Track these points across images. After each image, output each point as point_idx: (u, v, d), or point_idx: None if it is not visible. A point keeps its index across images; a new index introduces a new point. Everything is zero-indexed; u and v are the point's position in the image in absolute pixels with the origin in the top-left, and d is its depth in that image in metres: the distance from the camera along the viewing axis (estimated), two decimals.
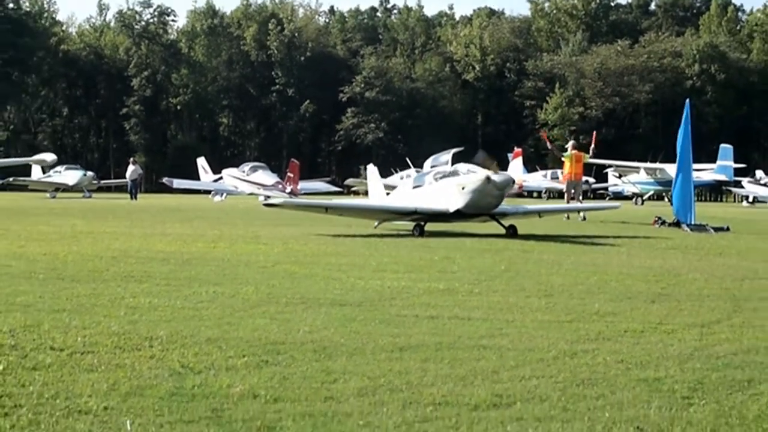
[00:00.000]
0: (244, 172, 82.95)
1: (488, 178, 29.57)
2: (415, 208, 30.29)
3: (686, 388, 10.36)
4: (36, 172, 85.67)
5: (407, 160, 78.49)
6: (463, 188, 29.86)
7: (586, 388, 10.33)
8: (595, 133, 60.23)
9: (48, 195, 78.09)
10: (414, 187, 32.46)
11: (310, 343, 12.44)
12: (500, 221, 30.66)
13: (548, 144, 61.83)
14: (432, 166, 35.82)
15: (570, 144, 48.68)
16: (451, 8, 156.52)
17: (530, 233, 30.71)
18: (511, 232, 29.88)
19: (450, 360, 11.59)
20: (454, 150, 40.75)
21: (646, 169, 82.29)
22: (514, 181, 34.00)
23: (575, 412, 9.31)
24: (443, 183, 30.81)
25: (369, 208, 32.48)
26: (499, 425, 8.81)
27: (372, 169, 37.71)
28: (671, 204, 40.99)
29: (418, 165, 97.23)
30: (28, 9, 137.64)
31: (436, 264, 23.30)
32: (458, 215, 30.30)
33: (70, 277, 19.28)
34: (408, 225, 31.96)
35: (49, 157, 77.10)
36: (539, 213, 35.21)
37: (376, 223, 32.10)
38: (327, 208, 32.25)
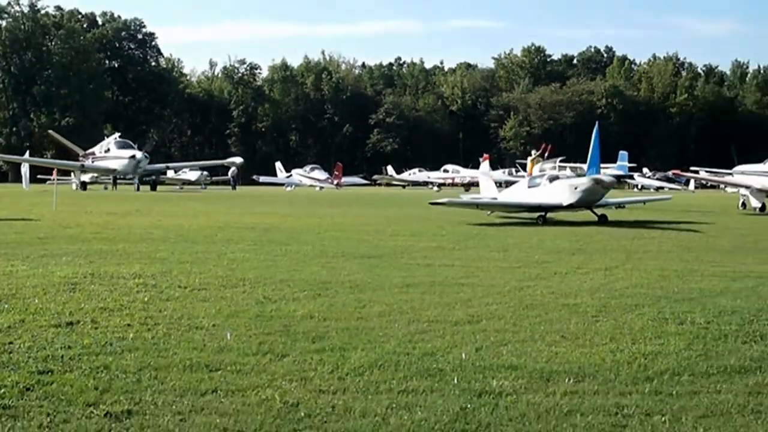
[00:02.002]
0: (306, 171, 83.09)
1: (597, 180, 27.10)
2: (539, 203, 26.96)
3: (594, 310, 10.37)
4: (170, 172, 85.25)
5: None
6: (575, 188, 26.97)
7: (528, 310, 10.35)
8: (544, 144, 60.60)
9: (177, 187, 78.10)
10: (529, 187, 28.73)
11: (348, 282, 12.47)
12: (594, 211, 27.36)
13: (539, 151, 60.01)
14: (540, 172, 33.88)
15: (534, 151, 49.92)
16: (441, 63, 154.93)
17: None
18: (603, 220, 26.88)
19: (439, 293, 11.62)
20: (558, 159, 39.80)
21: (570, 167, 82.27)
22: (617, 181, 30.64)
23: (521, 326, 9.33)
24: (557, 184, 27.77)
25: (507, 203, 28.36)
26: (471, 335, 8.82)
27: (484, 169, 33.48)
28: None
29: (422, 167, 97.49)
30: (164, 66, 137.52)
31: (431, 231, 23.30)
32: (569, 207, 27.08)
33: (191, 240, 19.37)
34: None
35: (238, 159, 75.77)
36: (620, 204, 30.87)
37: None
38: (477, 205, 28.64)
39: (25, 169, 56.08)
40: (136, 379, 7.00)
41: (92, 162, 64.62)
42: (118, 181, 65.09)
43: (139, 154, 62.15)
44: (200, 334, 8.74)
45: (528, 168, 49.20)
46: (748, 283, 13.03)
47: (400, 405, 6.39)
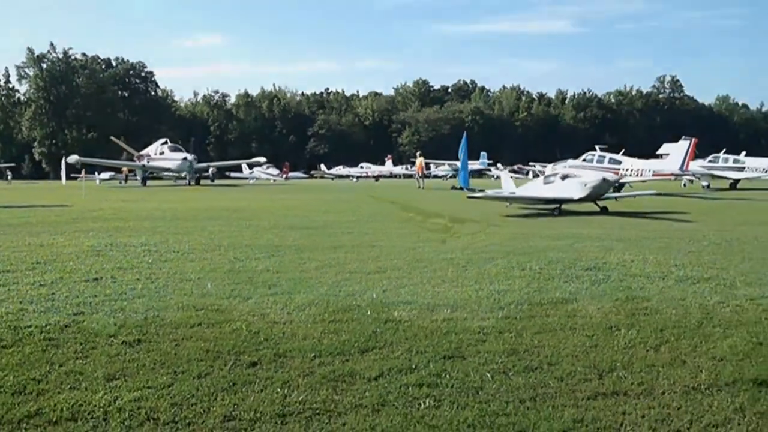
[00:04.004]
0: (264, 168, 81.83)
1: (605, 179, 23.46)
2: (555, 197, 22.99)
3: (464, 262, 10.48)
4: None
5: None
6: (585, 185, 23.12)
7: (418, 263, 10.40)
8: (419, 153, 59.91)
9: (173, 182, 75.95)
10: (545, 184, 24.51)
11: (294, 246, 12.38)
12: (597, 203, 23.45)
13: (419, 156, 56.70)
14: (554, 170, 29.09)
15: (418, 153, 49.70)
16: (357, 92, 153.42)
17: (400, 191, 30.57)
18: (604, 211, 22.97)
19: (357, 252, 11.60)
20: (570, 161, 36.48)
21: (448, 164, 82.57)
22: (618, 180, 25.70)
23: (414, 275, 9.37)
24: (569, 181, 23.67)
25: (531, 197, 23.88)
26: (380, 281, 8.84)
27: (505, 174, 28.21)
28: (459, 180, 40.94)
29: (345, 165, 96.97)
30: (161, 95, 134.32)
31: (351, 209, 23.22)
32: (579, 201, 22.95)
33: (182, 218, 19.01)
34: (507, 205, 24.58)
35: (262, 159, 70.11)
36: (616, 198, 25.73)
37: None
38: (507, 199, 24.27)
39: (63, 169, 54.18)
40: (144, 317, 6.90)
41: (149, 162, 59.73)
42: (131, 177, 62.15)
43: (190, 156, 57.77)
44: (189, 284, 8.62)
45: (417, 163, 49.10)
46: (568, 241, 13.30)
47: (330, 330, 6.43)
